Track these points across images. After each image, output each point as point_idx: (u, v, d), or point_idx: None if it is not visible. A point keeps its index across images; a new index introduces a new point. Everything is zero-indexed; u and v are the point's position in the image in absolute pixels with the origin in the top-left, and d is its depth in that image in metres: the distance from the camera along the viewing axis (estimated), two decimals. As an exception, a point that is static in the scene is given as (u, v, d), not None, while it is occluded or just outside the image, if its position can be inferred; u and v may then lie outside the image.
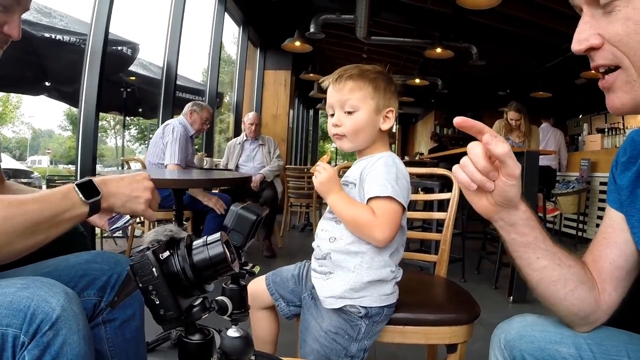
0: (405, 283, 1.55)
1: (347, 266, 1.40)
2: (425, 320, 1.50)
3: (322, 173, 1.43)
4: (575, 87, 10.22)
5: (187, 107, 4.68)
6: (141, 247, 0.78)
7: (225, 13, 7.21)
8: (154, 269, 0.75)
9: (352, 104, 1.42)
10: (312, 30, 7.03)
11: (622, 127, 9.69)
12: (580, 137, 9.08)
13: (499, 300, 3.83)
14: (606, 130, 8.22)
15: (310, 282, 1.49)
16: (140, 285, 0.76)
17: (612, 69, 0.80)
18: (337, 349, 1.37)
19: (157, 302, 0.76)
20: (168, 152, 4.34)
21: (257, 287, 1.59)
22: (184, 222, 4.25)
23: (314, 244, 1.52)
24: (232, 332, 0.93)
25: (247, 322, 1.02)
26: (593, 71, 0.85)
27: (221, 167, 5.73)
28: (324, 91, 1.51)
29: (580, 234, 6.91)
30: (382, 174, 1.38)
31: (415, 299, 1.63)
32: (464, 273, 4.40)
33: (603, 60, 0.80)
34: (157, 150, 4.40)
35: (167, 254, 0.78)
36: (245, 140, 5.66)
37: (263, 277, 1.62)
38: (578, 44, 0.81)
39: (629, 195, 0.97)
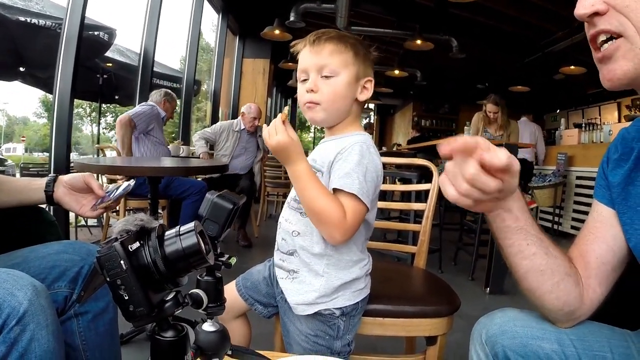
0: (384, 274, 1.53)
1: (315, 269, 1.31)
2: (405, 312, 1.48)
3: (278, 133, 1.20)
4: (554, 83, 10.34)
5: (158, 95, 4.70)
6: (109, 238, 0.73)
7: (205, 0, 7.10)
8: (122, 262, 0.69)
9: (331, 68, 1.29)
10: (292, 18, 6.96)
11: (599, 122, 9.85)
12: (557, 132, 9.19)
13: (476, 292, 3.86)
14: (583, 125, 8.35)
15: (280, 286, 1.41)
16: (108, 279, 0.70)
17: (613, 38, 0.78)
18: (321, 350, 1.33)
19: (126, 298, 0.70)
20: (131, 110, 4.38)
21: (229, 296, 1.46)
22: (159, 211, 4.19)
23: (277, 236, 1.42)
24: (208, 327, 0.89)
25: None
26: (590, 43, 0.83)
27: (198, 150, 5.43)
28: (296, 60, 1.37)
29: (556, 227, 6.99)
30: (352, 164, 1.24)
31: (395, 290, 1.62)
32: (441, 264, 4.43)
33: (607, 26, 0.78)
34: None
35: (136, 245, 0.72)
36: (243, 129, 5.41)
37: (232, 283, 1.52)
38: (583, 8, 0.79)
39: (620, 192, 0.95)
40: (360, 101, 1.36)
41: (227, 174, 4.99)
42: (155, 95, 4.70)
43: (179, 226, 0.76)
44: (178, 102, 4.91)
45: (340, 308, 1.33)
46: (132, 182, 1.42)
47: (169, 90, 4.85)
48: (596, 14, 0.78)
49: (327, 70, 1.29)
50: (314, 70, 1.31)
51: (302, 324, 1.34)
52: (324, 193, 1.22)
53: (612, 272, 0.97)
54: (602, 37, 0.79)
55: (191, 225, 0.75)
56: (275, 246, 1.43)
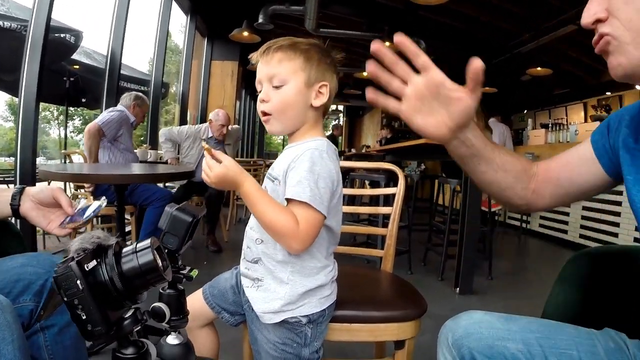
0: (351, 279, 1.53)
1: (280, 276, 1.31)
2: (372, 317, 1.48)
3: (212, 169, 1.19)
4: (521, 83, 10.52)
5: (128, 99, 4.62)
6: (66, 257, 0.72)
7: (173, 1, 7.03)
8: (78, 282, 0.69)
9: (280, 77, 1.28)
10: (260, 20, 6.95)
11: (565, 122, 10.06)
12: (524, 132, 9.36)
13: (446, 292, 3.89)
14: (550, 125, 8.52)
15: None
16: (65, 299, 0.69)
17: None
18: (290, 358, 1.32)
19: (84, 317, 0.69)
20: (99, 117, 4.28)
21: (195, 304, 1.46)
22: (127, 218, 4.14)
23: (243, 244, 1.41)
24: (172, 340, 0.89)
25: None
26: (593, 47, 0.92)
27: (166, 154, 5.37)
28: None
29: (524, 225, 7.13)
30: (303, 172, 1.23)
31: (362, 295, 1.62)
32: (410, 265, 4.45)
33: (606, 29, 0.88)
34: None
35: (93, 263, 0.71)
36: (210, 137, 5.26)
37: (199, 291, 1.51)
38: (587, 18, 0.90)
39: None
40: (316, 107, 1.34)
41: (194, 181, 4.94)
42: (125, 99, 4.61)
43: (135, 243, 0.75)
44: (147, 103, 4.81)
45: (307, 315, 1.32)
46: (103, 202, 1.37)
47: (140, 94, 4.76)
48: (598, 21, 0.88)
49: (276, 80, 1.29)
50: (266, 80, 1.30)
51: (269, 333, 1.34)
52: (273, 206, 1.21)
53: (565, 196, 1.16)
54: (603, 41, 0.89)
55: (147, 242, 0.74)
56: (242, 254, 1.42)
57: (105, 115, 4.33)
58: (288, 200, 1.23)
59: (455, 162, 1.13)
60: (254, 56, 1.35)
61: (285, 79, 1.28)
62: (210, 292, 1.50)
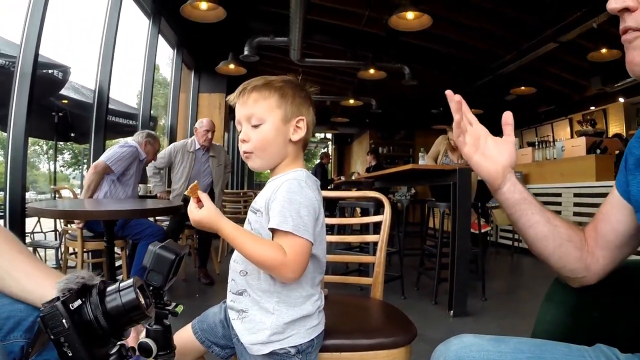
0: (340, 308, 1.53)
1: (266, 307, 1.32)
2: (361, 345, 1.48)
3: (192, 213, 1.27)
4: (506, 103, 10.65)
5: (140, 136, 4.63)
6: (52, 298, 0.73)
7: (159, 35, 7.10)
8: (64, 320, 0.71)
9: (257, 116, 1.32)
10: (246, 52, 7.04)
11: (551, 139, 10.18)
12: (512, 151, 9.43)
13: (440, 315, 3.89)
14: (536, 143, 8.60)
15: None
16: (52, 337, 0.71)
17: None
18: None
19: (70, 354, 0.71)
20: (106, 153, 4.25)
21: (184, 339, 1.47)
22: (118, 252, 4.12)
23: (229, 277, 1.43)
24: (159, 373, 0.90)
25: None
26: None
27: (155, 189, 5.32)
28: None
29: (516, 244, 7.15)
30: (283, 203, 1.26)
31: (351, 324, 1.63)
32: (403, 290, 4.44)
33: (633, 24, 0.86)
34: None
35: (78, 302, 0.73)
36: (198, 149, 5.16)
37: (188, 326, 1.51)
38: (615, 3, 0.86)
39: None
40: (295, 141, 1.38)
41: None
42: (138, 136, 4.62)
43: (119, 282, 0.77)
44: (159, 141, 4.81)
45: (295, 346, 1.32)
46: None
47: (152, 132, 4.76)
48: (626, 9, 0.85)
49: (254, 120, 1.33)
50: (244, 120, 1.35)
51: None
52: (256, 242, 1.25)
53: (615, 249, 1.12)
54: (631, 34, 0.87)
55: (130, 281, 0.76)
56: (227, 287, 1.43)
57: (117, 150, 4.31)
58: (272, 230, 1.25)
59: (507, 217, 1.20)
60: (231, 98, 1.39)
61: (262, 117, 1.33)
62: (200, 326, 1.50)
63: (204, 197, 1.26)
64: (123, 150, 4.31)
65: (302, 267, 1.26)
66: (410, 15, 5.28)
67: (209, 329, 1.49)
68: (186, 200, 1.43)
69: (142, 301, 0.75)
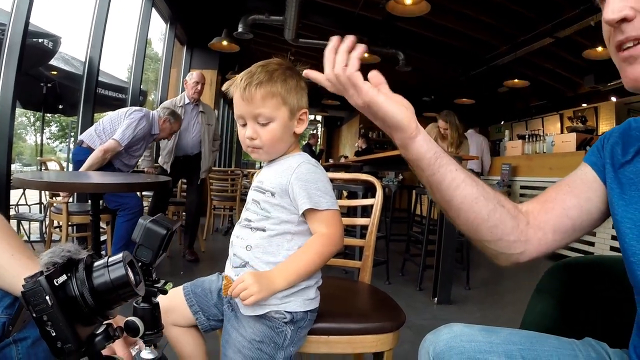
0: (329, 290, 1.52)
1: None
2: (350, 329, 1.48)
3: (248, 286, 1.25)
4: (498, 95, 10.66)
5: (163, 112, 4.49)
6: (35, 272, 0.69)
7: (153, 8, 6.98)
8: (47, 297, 0.66)
9: (266, 115, 1.33)
10: (240, 30, 6.95)
11: (542, 133, 10.21)
12: (501, 143, 9.46)
13: (424, 302, 3.91)
14: (527, 136, 8.62)
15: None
16: (34, 315, 0.67)
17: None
18: (263, 359, 1.31)
19: (53, 334, 0.67)
20: (120, 129, 4.10)
21: (173, 300, 1.45)
22: (103, 226, 4.07)
23: (229, 252, 1.44)
24: (146, 354, 0.87)
25: (163, 342, 0.95)
26: (614, 47, 0.86)
27: (143, 163, 5.16)
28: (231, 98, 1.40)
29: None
30: (309, 184, 1.34)
31: (340, 307, 1.61)
32: (388, 276, 4.46)
33: (634, 32, 0.82)
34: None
35: (63, 278, 0.69)
36: (187, 103, 4.95)
37: (180, 287, 1.49)
38: (612, 14, 0.82)
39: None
40: (298, 133, 1.43)
41: (179, 156, 4.85)
42: (161, 111, 4.50)
43: (107, 257, 0.73)
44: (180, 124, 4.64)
45: (291, 313, 1.34)
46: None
47: (176, 112, 4.62)
48: (624, 20, 0.82)
49: (262, 118, 1.34)
50: (250, 118, 1.35)
51: (246, 330, 1.33)
52: (305, 254, 1.33)
53: (570, 230, 1.03)
54: (630, 44, 0.83)
55: (120, 255, 0.72)
56: (227, 265, 1.44)
57: (133, 125, 4.15)
58: (309, 210, 1.34)
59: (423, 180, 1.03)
60: (231, 88, 1.38)
61: (271, 116, 1.34)
62: (193, 289, 1.49)
63: (239, 280, 1.28)
64: (140, 128, 4.19)
65: (342, 231, 1.40)
66: (408, 0, 5.23)
67: (202, 294, 1.48)
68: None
69: (132, 278, 0.72)
